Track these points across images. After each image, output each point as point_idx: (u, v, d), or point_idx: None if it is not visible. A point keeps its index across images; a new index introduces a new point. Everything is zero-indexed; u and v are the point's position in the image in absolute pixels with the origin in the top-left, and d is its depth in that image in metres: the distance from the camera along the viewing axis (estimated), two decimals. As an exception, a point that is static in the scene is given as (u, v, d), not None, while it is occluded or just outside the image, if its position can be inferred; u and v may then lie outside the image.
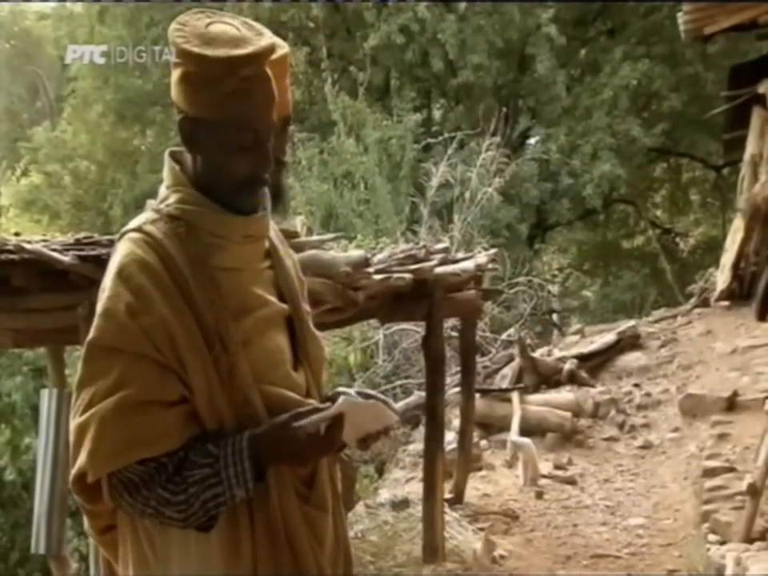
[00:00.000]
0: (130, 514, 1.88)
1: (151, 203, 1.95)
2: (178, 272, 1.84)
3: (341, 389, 2.02)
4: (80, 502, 1.94)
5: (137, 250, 1.85)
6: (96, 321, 1.83)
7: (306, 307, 2.12)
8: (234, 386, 1.85)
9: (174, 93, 1.90)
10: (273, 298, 2.01)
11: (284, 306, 2.03)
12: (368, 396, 1.99)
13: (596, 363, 9.43)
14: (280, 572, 1.89)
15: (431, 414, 5.52)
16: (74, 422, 1.82)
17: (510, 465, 7.46)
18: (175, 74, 1.88)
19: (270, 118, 1.91)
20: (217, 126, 1.85)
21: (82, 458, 1.81)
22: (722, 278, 10.96)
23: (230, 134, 1.86)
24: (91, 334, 1.83)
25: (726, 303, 10.69)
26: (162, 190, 1.95)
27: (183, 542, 1.86)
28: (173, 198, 1.91)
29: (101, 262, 3.72)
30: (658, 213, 21.39)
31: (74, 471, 1.84)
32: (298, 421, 1.83)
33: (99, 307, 1.85)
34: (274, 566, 1.88)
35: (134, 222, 1.93)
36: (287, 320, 2.04)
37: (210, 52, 1.82)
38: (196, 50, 1.82)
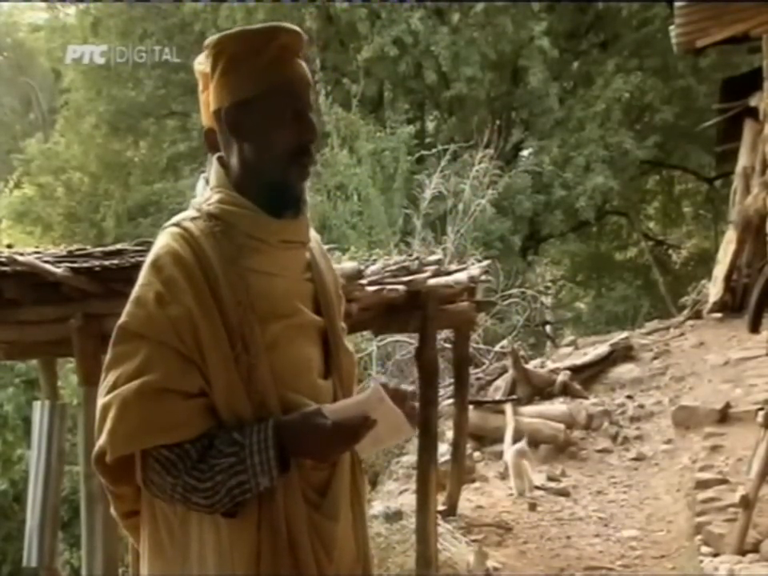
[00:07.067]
0: (160, 499, 1.90)
1: (194, 202, 1.99)
2: (209, 269, 1.87)
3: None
4: (104, 483, 1.97)
5: (173, 243, 1.89)
6: (127, 306, 1.89)
7: (342, 324, 2.14)
8: (253, 387, 1.87)
9: (215, 93, 1.95)
10: (307, 309, 2.02)
11: (318, 318, 2.04)
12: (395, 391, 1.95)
13: (589, 375, 9.44)
14: (279, 574, 1.89)
15: (424, 426, 5.51)
16: (99, 402, 1.87)
17: (503, 476, 7.45)
18: (215, 79, 1.94)
19: (309, 89, 1.97)
20: (262, 100, 1.91)
21: (102, 438, 1.85)
22: (714, 289, 10.98)
23: (275, 105, 1.91)
24: (121, 318, 1.88)
25: (718, 315, 10.70)
26: (207, 191, 2.00)
27: (200, 530, 1.89)
28: (214, 198, 1.96)
29: (93, 274, 3.72)
30: (651, 225, 21.42)
31: (95, 450, 1.89)
32: (325, 415, 1.84)
33: (132, 294, 1.90)
34: (274, 568, 1.88)
35: (175, 218, 1.98)
36: (322, 334, 2.05)
37: (248, 28, 1.93)
38: (234, 31, 1.93)
